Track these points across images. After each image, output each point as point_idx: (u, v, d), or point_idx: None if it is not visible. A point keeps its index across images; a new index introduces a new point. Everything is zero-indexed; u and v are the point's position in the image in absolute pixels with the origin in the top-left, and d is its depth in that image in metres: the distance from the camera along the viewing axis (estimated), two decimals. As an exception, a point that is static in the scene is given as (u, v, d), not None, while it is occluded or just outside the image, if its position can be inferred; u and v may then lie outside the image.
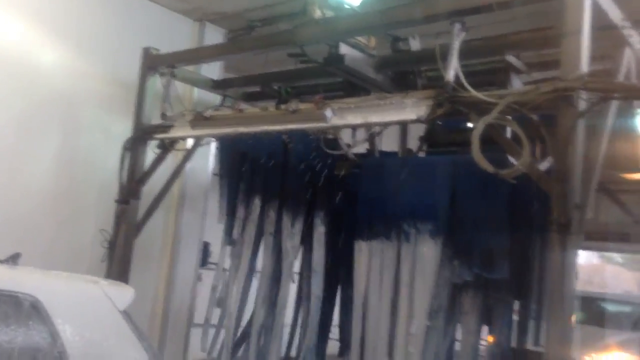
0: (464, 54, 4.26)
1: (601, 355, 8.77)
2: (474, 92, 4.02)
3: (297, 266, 6.24)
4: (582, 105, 3.82)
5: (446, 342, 5.03)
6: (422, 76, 5.46)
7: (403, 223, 5.16)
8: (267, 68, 6.95)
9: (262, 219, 6.21)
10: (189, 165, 6.92)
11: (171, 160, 6.67)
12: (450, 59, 4.19)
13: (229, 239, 6.48)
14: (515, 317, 5.12)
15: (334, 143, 5.25)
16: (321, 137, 5.43)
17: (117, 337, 3.41)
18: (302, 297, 6.16)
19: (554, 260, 3.73)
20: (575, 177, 3.78)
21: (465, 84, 4.05)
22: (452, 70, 4.17)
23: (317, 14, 5.01)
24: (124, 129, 6.40)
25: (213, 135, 6.01)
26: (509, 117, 3.95)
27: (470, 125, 4.38)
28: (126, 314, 3.51)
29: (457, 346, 5.13)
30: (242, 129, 5.34)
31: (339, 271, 6.02)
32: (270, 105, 5.41)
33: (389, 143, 6.13)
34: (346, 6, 5.13)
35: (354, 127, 4.75)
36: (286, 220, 6.03)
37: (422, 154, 6.30)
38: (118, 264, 6.13)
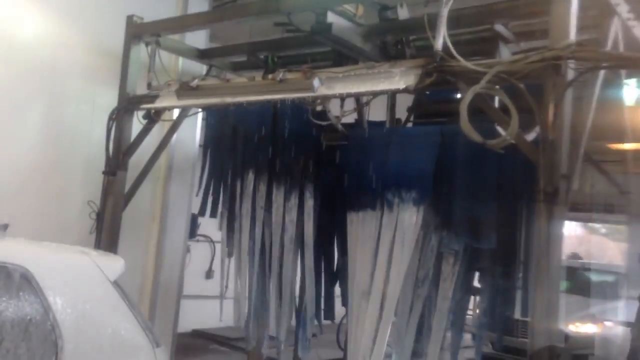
0: (453, 23, 4.21)
1: (585, 324, 8.98)
2: (462, 62, 4.00)
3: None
4: (570, 74, 3.83)
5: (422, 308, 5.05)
6: (410, 45, 5.42)
7: (388, 192, 5.18)
8: (253, 38, 6.86)
9: (254, 193, 6.20)
10: (175, 137, 6.87)
11: (158, 131, 6.62)
12: (439, 27, 4.14)
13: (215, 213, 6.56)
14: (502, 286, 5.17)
15: (323, 115, 5.23)
16: (309, 109, 5.41)
17: (108, 308, 3.42)
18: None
19: (540, 229, 3.78)
20: (563, 147, 3.81)
21: (454, 53, 4.02)
22: (441, 39, 4.14)
23: (304, -19, 4.94)
24: (110, 100, 6.32)
25: (199, 105, 5.95)
26: (498, 87, 3.96)
27: (458, 96, 4.38)
28: (117, 285, 3.51)
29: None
30: (229, 99, 5.28)
31: (331, 243, 6.05)
32: (258, 75, 5.36)
33: (377, 113, 6.12)
34: (333, -27, 5.04)
35: (342, 97, 4.72)
36: (279, 194, 6.02)
37: (410, 125, 6.32)
38: (106, 235, 6.12)
